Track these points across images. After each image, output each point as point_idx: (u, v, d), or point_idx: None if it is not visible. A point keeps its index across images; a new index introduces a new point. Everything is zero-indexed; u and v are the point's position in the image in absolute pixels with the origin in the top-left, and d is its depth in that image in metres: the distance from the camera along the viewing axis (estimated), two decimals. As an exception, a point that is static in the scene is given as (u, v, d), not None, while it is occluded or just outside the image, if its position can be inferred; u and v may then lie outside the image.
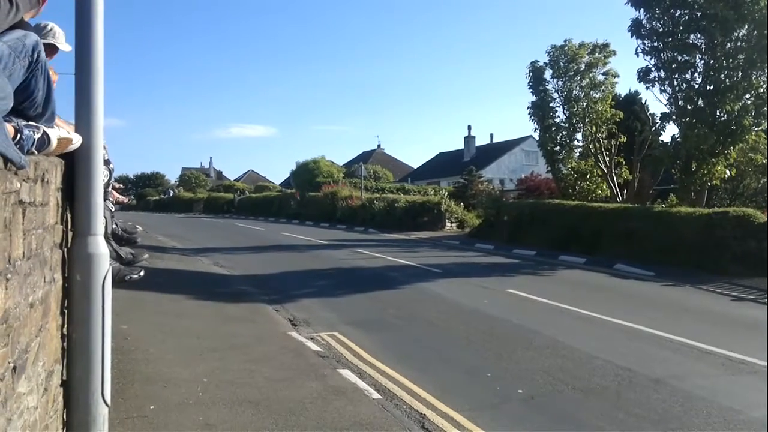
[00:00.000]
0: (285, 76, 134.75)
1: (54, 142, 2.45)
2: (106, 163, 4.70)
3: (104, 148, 4.81)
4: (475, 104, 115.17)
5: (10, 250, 2.19)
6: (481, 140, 60.22)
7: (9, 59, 2.26)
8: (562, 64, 24.52)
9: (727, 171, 19.79)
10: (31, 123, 2.37)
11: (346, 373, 6.56)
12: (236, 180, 77.18)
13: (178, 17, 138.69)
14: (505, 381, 6.59)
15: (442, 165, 58.76)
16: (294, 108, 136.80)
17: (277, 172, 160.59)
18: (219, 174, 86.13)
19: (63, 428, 3.27)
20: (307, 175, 43.69)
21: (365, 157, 63.22)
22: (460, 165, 50.71)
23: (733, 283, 13.22)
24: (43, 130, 2.39)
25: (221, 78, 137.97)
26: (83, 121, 3.30)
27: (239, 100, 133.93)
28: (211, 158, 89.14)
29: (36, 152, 2.40)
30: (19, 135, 2.24)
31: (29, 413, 2.49)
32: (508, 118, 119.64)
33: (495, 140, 60.40)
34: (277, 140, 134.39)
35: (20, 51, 2.31)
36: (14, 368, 2.23)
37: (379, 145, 69.82)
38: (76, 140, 2.90)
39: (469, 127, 59.91)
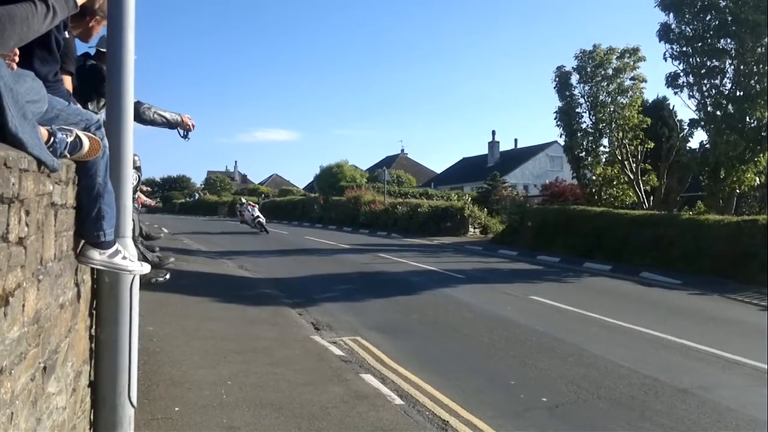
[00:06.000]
0: (308, 80, 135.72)
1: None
2: (137, 169, 4.76)
3: (136, 155, 4.86)
4: (499, 109, 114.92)
5: (42, 252, 2.22)
6: (506, 145, 60.09)
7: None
8: (589, 69, 24.33)
9: (757, 178, 19.45)
10: (63, 126, 2.41)
11: (368, 378, 6.55)
12: (261, 183, 77.82)
13: (204, 26, 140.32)
14: (528, 389, 6.53)
15: (466, 170, 58.61)
16: (317, 112, 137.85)
17: (301, 176, 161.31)
18: (244, 177, 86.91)
19: (90, 429, 3.31)
20: (330, 179, 43.85)
21: (388, 161, 63.28)
22: (483, 170, 50.55)
23: (762, 292, 12.95)
24: (76, 134, 2.43)
25: (246, 83, 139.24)
26: (114, 125, 3.36)
27: (263, 104, 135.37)
28: (236, 162, 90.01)
29: (68, 155, 2.44)
30: (52, 138, 2.28)
31: (58, 413, 2.52)
32: (532, 123, 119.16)
33: (519, 145, 60.19)
34: (301, 144, 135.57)
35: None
36: (44, 368, 2.26)
37: (402, 150, 69.98)
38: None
39: (494, 132, 59.82)
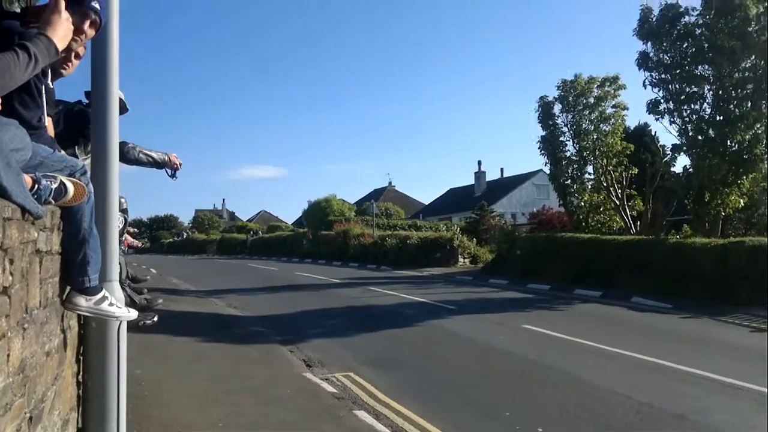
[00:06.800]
0: (294, 116, 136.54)
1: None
2: (123, 211, 4.74)
3: (122, 198, 4.84)
4: (484, 139, 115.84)
5: (27, 300, 2.20)
6: (492, 175, 60.49)
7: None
8: (571, 98, 24.68)
9: (741, 200, 19.65)
10: (48, 174, 2.40)
11: (362, 414, 6.47)
12: (249, 220, 77.67)
13: (187, 63, 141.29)
14: (523, 419, 6.47)
15: (453, 201, 58.88)
16: (304, 148, 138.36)
17: (289, 212, 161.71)
18: (232, 215, 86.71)
19: (78, 478, 3.24)
20: (318, 213, 43.90)
21: (376, 194, 63.46)
22: (471, 200, 50.77)
23: (752, 313, 12.98)
24: (60, 180, 2.43)
25: (231, 120, 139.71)
26: (99, 169, 3.36)
27: (248, 141, 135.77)
28: (224, 200, 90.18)
29: (53, 201, 2.43)
30: (36, 185, 2.27)
31: (45, 464, 2.47)
32: (517, 152, 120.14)
33: (505, 175, 60.59)
34: (288, 180, 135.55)
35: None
36: (30, 418, 2.22)
37: (390, 183, 70.29)
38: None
39: (479, 163, 60.29)
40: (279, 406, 6.65)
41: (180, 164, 5.00)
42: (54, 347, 2.63)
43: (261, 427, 5.92)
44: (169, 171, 4.98)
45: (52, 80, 3.03)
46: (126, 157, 4.58)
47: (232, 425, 5.89)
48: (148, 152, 4.80)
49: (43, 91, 2.79)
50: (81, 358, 3.31)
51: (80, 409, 3.28)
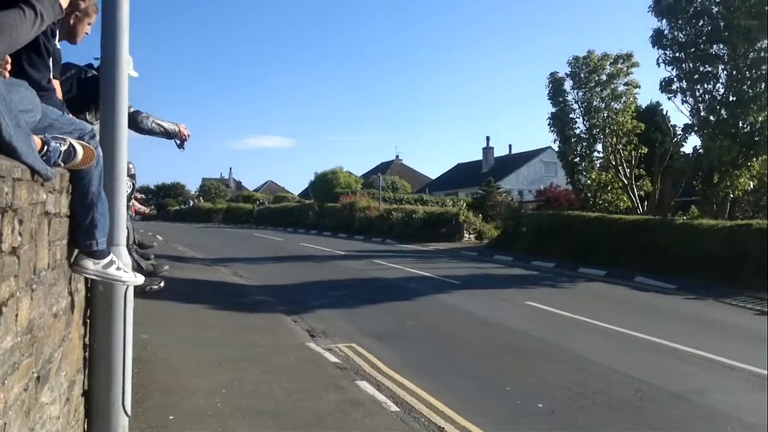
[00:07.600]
0: (302, 87, 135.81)
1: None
2: (131, 176, 4.75)
3: (130, 163, 4.84)
4: (493, 115, 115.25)
5: (36, 261, 2.22)
6: (500, 151, 60.20)
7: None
8: (582, 74, 24.42)
9: (750, 182, 19.51)
10: (57, 135, 2.40)
11: (364, 385, 6.54)
12: (255, 190, 77.66)
13: (196, 33, 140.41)
14: (524, 395, 6.52)
15: (461, 176, 58.69)
16: (312, 119, 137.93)
17: (295, 183, 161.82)
18: (238, 184, 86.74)
19: (84, 438, 3.29)
20: (325, 185, 43.81)
21: (383, 167, 63.27)
22: (478, 176, 50.62)
23: (756, 296, 12.99)
24: (70, 142, 2.43)
25: (238, 89, 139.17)
26: (108, 133, 3.36)
27: (256, 111, 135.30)
28: (230, 169, 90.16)
29: (62, 164, 2.43)
30: (46, 147, 2.27)
31: (51, 423, 2.51)
32: (526, 129, 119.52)
33: (514, 151, 60.34)
34: (295, 151, 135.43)
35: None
36: (38, 378, 2.25)
37: (397, 156, 70.03)
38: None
39: (488, 138, 59.93)
40: (282, 375, 6.72)
41: (188, 135, 5.02)
42: (61, 309, 2.65)
43: (264, 394, 5.99)
44: (177, 141, 5.00)
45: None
46: (139, 126, 4.60)
47: (235, 392, 5.96)
48: (160, 122, 4.82)
49: (51, 52, 2.77)
50: (88, 321, 3.35)
51: (86, 371, 3.32)
